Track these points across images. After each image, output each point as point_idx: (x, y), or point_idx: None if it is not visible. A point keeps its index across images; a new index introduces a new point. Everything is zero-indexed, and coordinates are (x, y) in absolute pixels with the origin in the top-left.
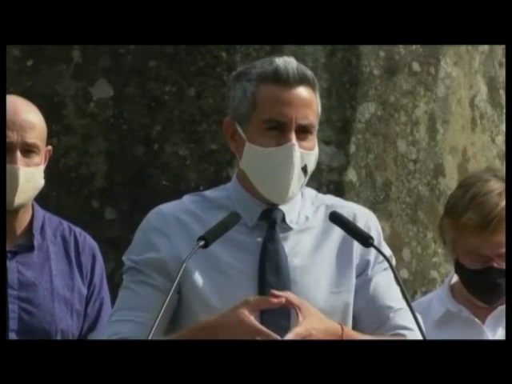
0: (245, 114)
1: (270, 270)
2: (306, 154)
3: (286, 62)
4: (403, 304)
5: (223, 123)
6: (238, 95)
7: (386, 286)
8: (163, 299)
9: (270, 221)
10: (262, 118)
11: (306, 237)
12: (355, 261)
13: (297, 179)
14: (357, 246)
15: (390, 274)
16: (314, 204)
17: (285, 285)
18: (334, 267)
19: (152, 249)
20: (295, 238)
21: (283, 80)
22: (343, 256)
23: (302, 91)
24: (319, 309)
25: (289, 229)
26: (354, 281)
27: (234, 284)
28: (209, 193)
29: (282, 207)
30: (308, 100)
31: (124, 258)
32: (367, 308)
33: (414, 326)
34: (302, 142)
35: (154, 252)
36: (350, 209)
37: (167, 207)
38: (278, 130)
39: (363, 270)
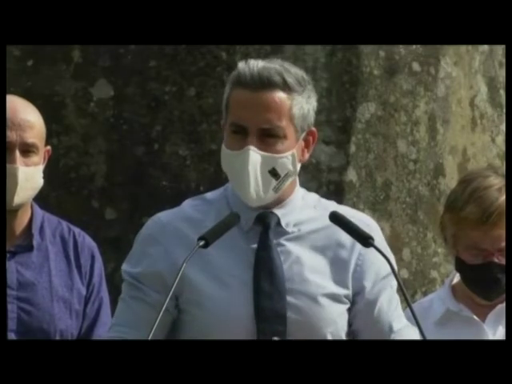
0: (224, 117)
1: (264, 276)
2: (270, 157)
3: (250, 67)
4: (403, 322)
5: (222, 126)
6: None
7: (388, 307)
8: (158, 316)
9: (264, 225)
10: (229, 122)
11: (305, 242)
12: (354, 268)
13: (257, 183)
14: (357, 256)
15: (390, 291)
16: (317, 209)
17: (280, 292)
18: (333, 274)
19: (147, 260)
20: (293, 243)
21: (247, 84)
22: (342, 263)
23: (266, 95)
24: (315, 317)
25: (285, 233)
26: (350, 289)
27: (230, 291)
28: (210, 194)
29: (277, 211)
30: (273, 104)
31: (122, 267)
32: (368, 329)
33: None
34: (266, 146)
35: (150, 264)
36: (353, 219)
37: (166, 215)
38: (241, 133)
39: (363, 288)
